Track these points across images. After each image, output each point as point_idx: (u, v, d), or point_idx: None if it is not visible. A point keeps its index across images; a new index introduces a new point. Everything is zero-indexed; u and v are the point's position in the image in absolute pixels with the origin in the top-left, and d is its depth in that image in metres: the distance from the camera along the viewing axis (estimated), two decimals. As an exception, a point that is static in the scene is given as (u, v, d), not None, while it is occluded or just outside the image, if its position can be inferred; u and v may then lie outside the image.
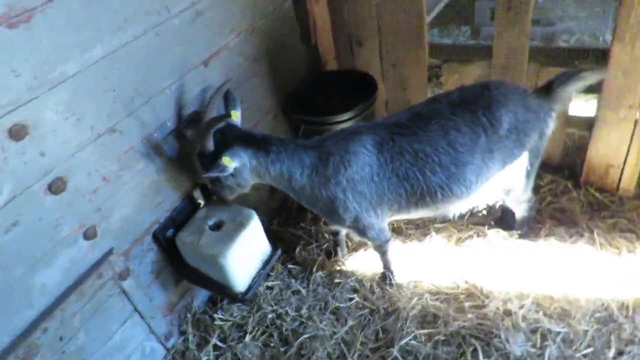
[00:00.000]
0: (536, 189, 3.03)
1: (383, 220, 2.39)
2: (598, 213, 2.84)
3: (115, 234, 2.11)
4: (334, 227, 2.68)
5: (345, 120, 2.88)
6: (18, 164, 1.68)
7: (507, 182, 2.37)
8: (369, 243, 2.60)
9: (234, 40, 2.56)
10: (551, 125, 2.30)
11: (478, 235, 2.84)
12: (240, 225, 2.33)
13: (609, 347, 2.22)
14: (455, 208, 2.41)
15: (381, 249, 2.56)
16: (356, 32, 3.13)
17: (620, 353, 2.20)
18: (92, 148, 1.93)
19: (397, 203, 2.29)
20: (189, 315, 2.60)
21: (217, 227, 2.36)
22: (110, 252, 2.07)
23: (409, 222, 3.03)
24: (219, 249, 2.23)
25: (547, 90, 2.25)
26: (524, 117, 2.21)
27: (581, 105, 3.37)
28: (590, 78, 2.19)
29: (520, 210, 2.64)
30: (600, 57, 2.56)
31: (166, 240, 2.35)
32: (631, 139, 2.65)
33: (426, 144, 2.17)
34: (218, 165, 2.06)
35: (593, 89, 2.78)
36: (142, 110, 2.11)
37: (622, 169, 2.80)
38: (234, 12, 2.51)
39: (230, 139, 2.17)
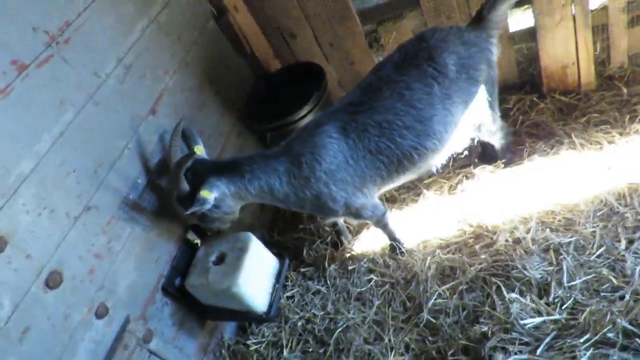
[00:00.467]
0: (505, 113, 3.07)
1: (372, 196, 2.43)
2: (570, 116, 2.89)
3: (126, 302, 2.14)
4: (330, 220, 2.71)
5: (306, 115, 2.90)
6: (9, 274, 1.70)
7: (474, 119, 2.41)
8: (368, 222, 2.65)
9: (171, 80, 2.56)
10: (495, 52, 2.33)
11: (467, 178, 2.88)
12: (241, 250, 2.36)
13: (619, 240, 2.28)
14: (436, 161, 2.45)
15: (381, 224, 2.60)
16: (285, 26, 3.12)
17: (630, 242, 2.26)
18: (75, 232, 1.95)
19: (380, 177, 2.32)
20: (223, 351, 2.65)
21: (220, 260, 2.39)
22: (127, 321, 2.10)
23: (399, 187, 3.07)
24: (229, 280, 2.27)
25: (480, 20, 2.27)
26: (467, 53, 2.23)
27: (520, 19, 3.39)
28: None
29: (497, 140, 2.68)
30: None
31: (177, 290, 2.38)
32: (575, 35, 2.69)
33: (385, 113, 2.20)
34: (198, 200, 2.09)
35: (523, 2, 2.81)
36: (109, 179, 2.13)
37: (578, 66, 2.83)
38: (160, 53, 2.51)
39: (202, 173, 2.19)
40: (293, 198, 2.27)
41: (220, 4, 2.90)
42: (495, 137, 2.65)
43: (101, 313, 2.01)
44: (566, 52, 2.79)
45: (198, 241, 2.55)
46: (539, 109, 2.99)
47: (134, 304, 2.19)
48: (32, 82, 1.83)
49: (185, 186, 2.14)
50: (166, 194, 2.40)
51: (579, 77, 2.89)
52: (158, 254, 2.34)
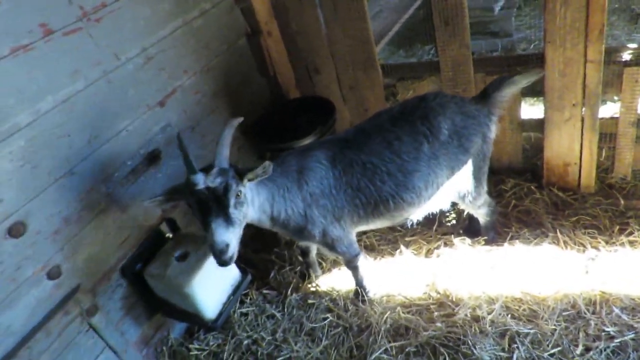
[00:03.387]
0: (500, 194, 3.09)
1: (349, 232, 2.46)
2: (562, 212, 2.88)
3: (81, 272, 2.19)
4: (305, 244, 2.73)
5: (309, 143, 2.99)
6: (-25, 212, 1.78)
7: (458, 186, 2.44)
8: (340, 259, 2.66)
9: (189, 80, 2.70)
10: (493, 129, 2.38)
11: (446, 245, 2.89)
12: (205, 254, 2.40)
13: (577, 345, 2.23)
14: (410, 215, 2.48)
15: (352, 265, 2.61)
16: (312, 60, 3.27)
17: (587, 349, 2.21)
18: (51, 191, 2.04)
19: (356, 214, 2.38)
20: (164, 348, 2.64)
21: (183, 257, 2.43)
22: (76, 289, 2.15)
23: (380, 237, 3.09)
24: (184, 278, 2.30)
25: (484, 96, 2.35)
26: (462, 122, 2.30)
27: (532, 108, 3.47)
28: (522, 81, 2.30)
29: (481, 215, 2.69)
30: (540, 61, 2.66)
31: (135, 276, 2.42)
32: (581, 136, 2.72)
33: (371, 155, 2.29)
34: (264, 166, 2.00)
35: (538, 92, 2.88)
36: (100, 152, 2.23)
37: (580, 167, 2.85)
38: (186, 54, 2.66)
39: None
40: (283, 215, 2.27)
41: (257, 25, 3.08)
42: (480, 212, 2.66)
43: (53, 274, 2.06)
44: (570, 150, 2.82)
45: (170, 235, 2.61)
46: (534, 198, 3.00)
47: (88, 276, 2.23)
48: (54, 47, 1.98)
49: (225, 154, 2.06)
50: (149, 182, 2.49)
51: (580, 177, 2.90)
52: (126, 236, 2.40)
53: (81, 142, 2.14)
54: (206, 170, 1.97)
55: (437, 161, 2.28)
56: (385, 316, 2.58)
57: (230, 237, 1.95)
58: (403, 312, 2.59)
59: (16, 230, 1.91)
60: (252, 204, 2.15)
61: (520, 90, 2.51)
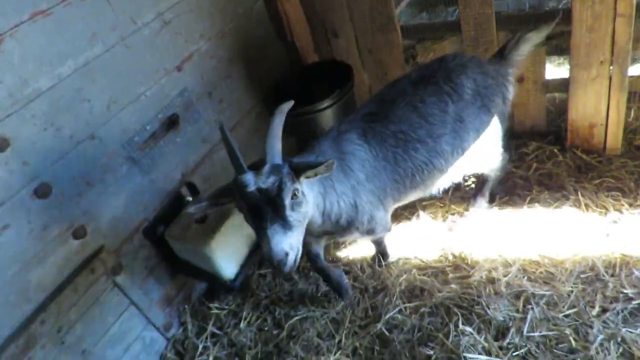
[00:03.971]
0: (522, 157, 3.03)
1: (388, 212, 2.35)
2: (585, 175, 2.81)
3: (105, 233, 2.29)
4: (345, 238, 2.43)
5: (325, 108, 2.98)
6: (3, 173, 1.87)
7: (481, 151, 2.40)
8: (369, 238, 2.50)
9: (205, 45, 2.71)
10: (511, 90, 2.32)
11: (463, 209, 2.86)
12: (223, 216, 2.46)
13: (593, 306, 2.20)
14: (440, 183, 2.43)
15: (379, 240, 2.60)
16: (330, 23, 3.22)
17: (604, 310, 2.18)
18: (74, 155, 2.11)
19: (397, 190, 2.27)
20: (187, 307, 2.75)
21: (202, 220, 2.50)
22: (101, 249, 2.25)
23: (398, 203, 3.08)
24: (203, 240, 2.37)
25: (500, 57, 2.28)
26: (484, 82, 2.24)
27: (558, 69, 3.34)
28: (535, 37, 2.23)
29: (492, 171, 2.63)
30: (566, 17, 2.54)
31: (157, 237, 2.51)
32: (609, 96, 2.62)
33: (400, 123, 2.20)
34: (327, 164, 1.71)
35: (564, 51, 2.77)
36: (119, 117, 2.29)
37: (606, 128, 2.76)
38: (201, 19, 2.66)
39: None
40: (336, 209, 2.05)
41: (273, -12, 3.04)
42: (492, 168, 2.60)
43: (79, 234, 2.16)
44: (596, 111, 2.72)
45: (190, 198, 2.68)
46: (557, 161, 2.92)
47: (112, 236, 2.33)
48: (72, 11, 2.02)
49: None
50: (168, 146, 2.55)
51: (605, 139, 2.81)
52: (148, 199, 2.48)
53: (101, 107, 2.20)
54: (256, 167, 1.73)
55: (463, 124, 2.23)
56: (401, 278, 2.61)
57: (290, 244, 1.69)
58: (418, 275, 2.61)
59: (42, 192, 2.00)
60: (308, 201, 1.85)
61: (542, 47, 2.42)
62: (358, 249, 2.90)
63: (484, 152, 2.42)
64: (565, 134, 2.94)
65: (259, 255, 2.70)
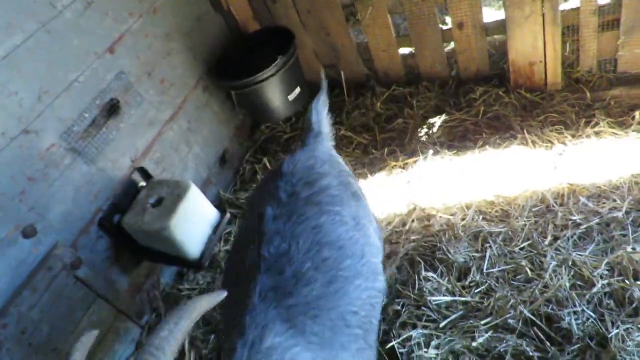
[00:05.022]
0: (470, 104, 3.08)
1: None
2: (530, 113, 2.89)
3: (57, 228, 2.22)
4: None
5: (270, 76, 2.94)
6: None
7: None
8: None
9: (136, 23, 2.60)
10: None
11: (417, 160, 2.91)
12: (179, 196, 2.42)
13: (545, 236, 2.31)
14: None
15: None
16: (265, -12, 3.14)
17: (555, 239, 2.30)
18: (9, 152, 2.02)
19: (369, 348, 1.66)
20: (156, 292, 2.74)
21: (158, 203, 2.46)
22: (55, 246, 2.18)
23: (356, 162, 3.11)
24: (161, 223, 2.34)
25: (313, 135, 1.97)
26: (336, 167, 1.88)
27: (498, 12, 3.38)
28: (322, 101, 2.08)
29: None
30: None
31: (113, 226, 2.46)
32: (544, 32, 2.67)
33: (318, 273, 1.54)
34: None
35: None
36: (53, 107, 2.19)
37: (545, 64, 2.82)
38: (127, -5, 2.54)
39: None
40: None
41: (202, -44, 2.92)
42: None
43: (28, 233, 2.09)
44: (534, 48, 2.77)
45: (143, 183, 2.62)
46: (503, 102, 2.99)
47: (66, 231, 2.26)
48: (-20, 0, 1.89)
49: None
50: (112, 133, 2.47)
51: (546, 75, 2.88)
52: (98, 189, 2.41)
53: (31, 99, 2.09)
54: None
55: (359, 221, 1.75)
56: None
57: None
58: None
59: (-19, 194, 1.91)
60: None
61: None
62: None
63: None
64: (508, 75, 3.00)
65: (222, 232, 2.70)
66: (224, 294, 1.30)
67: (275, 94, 3.06)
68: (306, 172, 1.75)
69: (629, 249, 2.09)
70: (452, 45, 3.17)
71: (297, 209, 1.63)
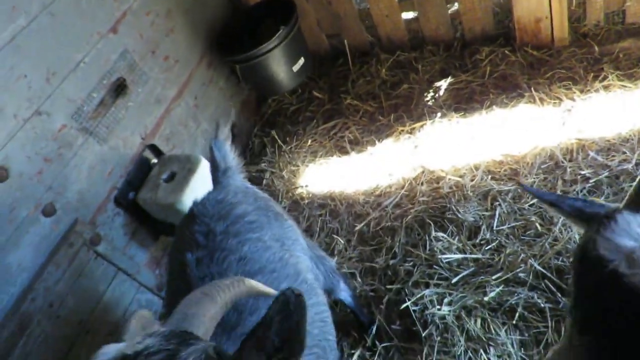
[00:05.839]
0: (476, 64, 3.05)
1: None
2: (537, 71, 2.86)
3: (76, 207, 2.29)
4: None
5: (273, 48, 2.94)
6: (-46, 163, 1.84)
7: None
8: None
9: (136, 1, 2.60)
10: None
11: (425, 125, 2.91)
12: (190, 171, 2.47)
13: (555, 191, 2.32)
14: None
15: None
16: (264, -41, 3.10)
17: (565, 193, 2.30)
18: (23, 134, 2.07)
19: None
20: (175, 264, 2.81)
21: (170, 178, 2.51)
22: (74, 223, 2.25)
23: (363, 130, 3.12)
24: (174, 197, 2.40)
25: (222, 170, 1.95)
26: (250, 193, 1.87)
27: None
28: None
29: None
30: None
31: (129, 203, 2.52)
32: (549, -13, 2.63)
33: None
34: None
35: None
36: (62, 88, 2.22)
37: (551, 20, 2.78)
38: (127, -28, 2.54)
39: None
40: None
41: None
42: None
43: (48, 212, 2.16)
44: (539, 4, 2.72)
45: (155, 160, 2.67)
46: (509, 61, 2.96)
47: (84, 209, 2.33)
48: (-16, -16, 1.91)
49: None
50: (121, 112, 2.51)
51: (552, 32, 2.83)
52: (111, 167, 2.46)
53: (40, 81, 2.13)
54: None
55: (283, 242, 1.72)
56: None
57: None
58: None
59: (0, 176, 1.98)
60: None
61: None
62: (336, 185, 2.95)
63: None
64: (514, 34, 2.96)
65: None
66: (272, 292, 1.18)
67: (280, 65, 3.06)
68: (218, 207, 1.68)
69: (638, 199, 2.08)
70: (455, 6, 3.12)
71: (217, 246, 1.55)
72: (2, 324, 1.96)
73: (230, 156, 1.98)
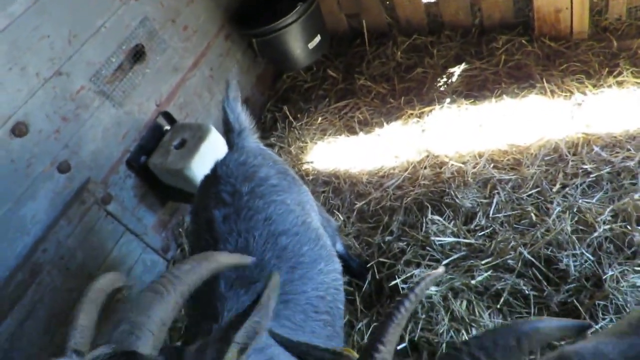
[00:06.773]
0: (492, 52, 3.04)
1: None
2: (553, 62, 2.84)
3: (89, 166, 2.40)
4: None
5: (291, 23, 2.98)
6: (-23, 116, 1.96)
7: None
8: None
9: (159, -31, 2.67)
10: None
11: (433, 109, 2.93)
12: (200, 139, 2.56)
13: (555, 184, 2.34)
14: None
15: None
16: None
17: (564, 187, 2.32)
18: (44, 92, 2.18)
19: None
20: (181, 230, 2.93)
21: (181, 145, 2.60)
22: (87, 181, 2.37)
23: (373, 111, 3.15)
24: (183, 163, 2.49)
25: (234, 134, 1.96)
26: (269, 158, 1.90)
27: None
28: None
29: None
30: None
31: (140, 166, 2.63)
32: (571, -23, 2.59)
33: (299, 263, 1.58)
34: None
35: None
36: (82, 51, 2.32)
37: (572, 11, 2.74)
38: (151, -60, 2.60)
39: None
40: None
41: None
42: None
43: (63, 169, 2.28)
44: (560, -7, 2.69)
45: (168, 127, 2.76)
46: (526, 51, 2.94)
47: (97, 169, 2.45)
48: (11, -55, 2.00)
49: None
50: (138, 78, 2.60)
51: (572, 23, 2.80)
52: (126, 130, 2.57)
53: (62, 42, 2.23)
54: None
55: (304, 206, 1.81)
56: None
57: None
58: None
59: (19, 130, 2.09)
60: None
61: None
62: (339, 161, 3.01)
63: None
64: (533, 23, 2.93)
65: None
66: (248, 260, 1.23)
67: (296, 41, 3.10)
68: (242, 169, 1.74)
69: (636, 196, 2.09)
70: (476, -8, 3.10)
71: (243, 205, 1.62)
72: (15, 270, 2.10)
73: (243, 116, 2.00)
